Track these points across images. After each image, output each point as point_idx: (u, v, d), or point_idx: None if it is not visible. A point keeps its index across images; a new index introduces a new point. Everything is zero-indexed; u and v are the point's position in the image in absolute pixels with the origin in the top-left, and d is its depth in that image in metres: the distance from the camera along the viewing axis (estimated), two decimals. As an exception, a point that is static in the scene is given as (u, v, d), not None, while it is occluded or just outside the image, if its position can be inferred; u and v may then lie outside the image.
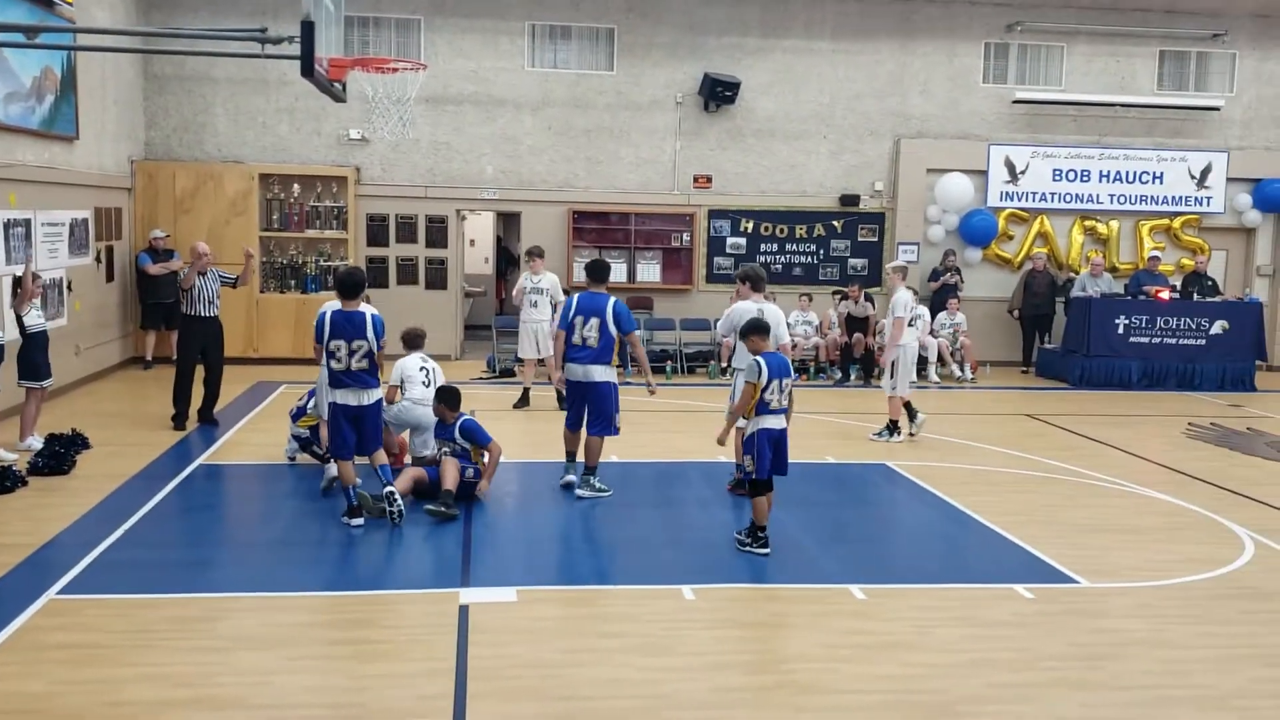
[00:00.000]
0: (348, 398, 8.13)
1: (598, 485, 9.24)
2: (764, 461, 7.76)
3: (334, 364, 8.08)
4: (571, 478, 9.40)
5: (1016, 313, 17.57)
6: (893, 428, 11.90)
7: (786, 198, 17.77)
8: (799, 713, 5.40)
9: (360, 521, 8.13)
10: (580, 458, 9.39)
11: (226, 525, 8.66)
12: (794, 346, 13.65)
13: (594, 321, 9.13)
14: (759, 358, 7.82)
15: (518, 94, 17.07)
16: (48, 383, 10.52)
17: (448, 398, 9.19)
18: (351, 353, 8.05)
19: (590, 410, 9.24)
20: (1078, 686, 5.77)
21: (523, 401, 13.34)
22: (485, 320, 19.31)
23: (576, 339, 9.15)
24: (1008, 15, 17.68)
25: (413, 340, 10.11)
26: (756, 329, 8.13)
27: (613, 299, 9.28)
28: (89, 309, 14.17)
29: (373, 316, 8.17)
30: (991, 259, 18.16)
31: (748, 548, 7.86)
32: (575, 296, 9.39)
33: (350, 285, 8.19)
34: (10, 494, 8.83)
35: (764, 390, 7.70)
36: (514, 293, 13.70)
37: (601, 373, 9.17)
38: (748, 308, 9.24)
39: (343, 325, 8.07)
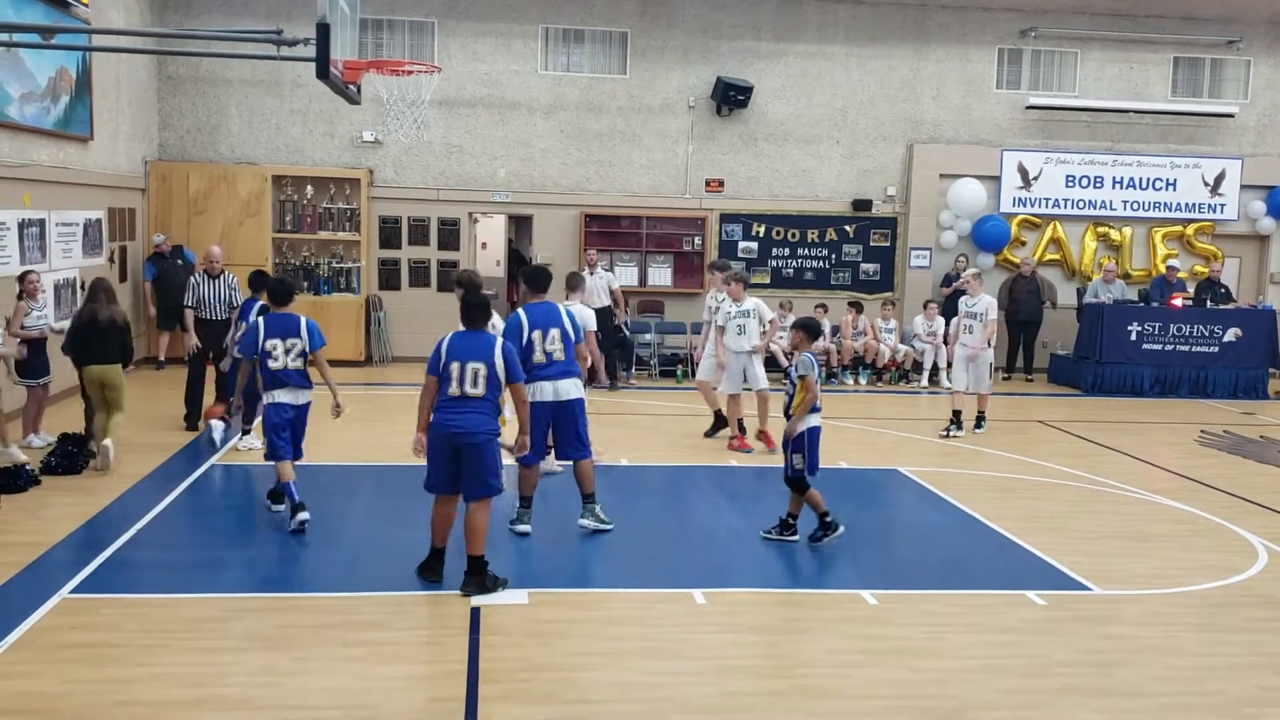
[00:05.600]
0: (284, 396, 8.39)
1: (601, 515, 8.35)
2: (815, 458, 8.14)
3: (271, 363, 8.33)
4: (526, 527, 8.25)
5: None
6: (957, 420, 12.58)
7: (799, 202, 17.76)
8: (810, 717, 5.39)
9: (282, 508, 8.41)
10: (522, 490, 8.41)
11: (239, 526, 8.66)
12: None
13: (554, 333, 8.31)
14: (809, 355, 8.19)
15: (530, 97, 17.10)
16: (45, 379, 10.51)
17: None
18: (287, 351, 8.38)
19: (561, 433, 8.33)
20: (1089, 693, 5.76)
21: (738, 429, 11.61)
22: (496, 323, 19.28)
23: (539, 356, 8.20)
24: (1021, 21, 17.65)
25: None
26: (806, 327, 8.45)
27: (563, 305, 8.60)
28: (102, 309, 14.21)
29: (308, 321, 8.54)
30: (1004, 265, 18.11)
31: (825, 538, 8.12)
32: (521, 312, 8.51)
33: (282, 292, 8.70)
34: (23, 493, 8.86)
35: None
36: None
37: (572, 388, 8.30)
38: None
39: (275, 325, 8.46)
